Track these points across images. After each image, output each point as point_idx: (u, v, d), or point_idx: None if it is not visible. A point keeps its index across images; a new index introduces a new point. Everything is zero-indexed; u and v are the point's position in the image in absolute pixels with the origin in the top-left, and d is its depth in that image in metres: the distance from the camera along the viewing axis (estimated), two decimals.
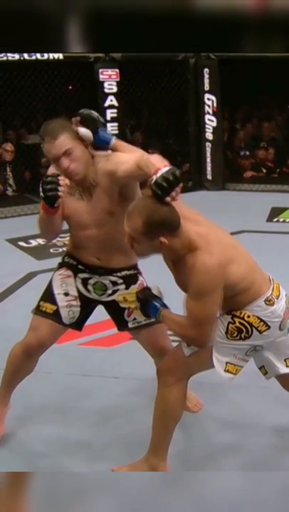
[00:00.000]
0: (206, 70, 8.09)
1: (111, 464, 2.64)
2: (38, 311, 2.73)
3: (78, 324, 2.78)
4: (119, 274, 2.69)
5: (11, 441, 2.85)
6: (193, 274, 2.27)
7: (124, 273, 2.70)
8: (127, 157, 2.43)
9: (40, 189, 2.48)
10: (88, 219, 2.60)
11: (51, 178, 2.46)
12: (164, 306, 2.45)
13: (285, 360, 2.53)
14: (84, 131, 2.47)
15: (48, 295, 2.73)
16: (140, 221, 2.23)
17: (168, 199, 2.24)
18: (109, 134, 2.52)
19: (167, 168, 2.26)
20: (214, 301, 2.30)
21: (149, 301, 2.46)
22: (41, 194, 2.48)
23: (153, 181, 2.24)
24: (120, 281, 2.70)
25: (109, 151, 2.52)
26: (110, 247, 2.60)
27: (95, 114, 2.51)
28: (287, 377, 2.60)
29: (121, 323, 2.78)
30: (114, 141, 2.47)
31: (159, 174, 2.24)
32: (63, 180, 2.46)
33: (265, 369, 2.56)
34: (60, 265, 2.78)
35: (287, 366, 2.53)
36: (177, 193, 2.25)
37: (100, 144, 2.48)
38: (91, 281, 2.71)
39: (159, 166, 2.29)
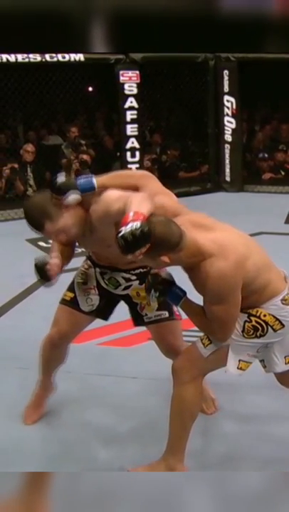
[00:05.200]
0: (226, 72, 8.11)
1: (128, 463, 2.68)
2: (61, 299, 2.87)
3: (100, 312, 2.86)
4: (132, 272, 2.74)
5: (25, 441, 2.89)
6: (210, 281, 2.28)
7: (138, 271, 2.74)
8: (116, 196, 2.43)
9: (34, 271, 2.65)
10: (96, 248, 2.71)
11: (41, 267, 2.61)
12: (184, 292, 2.45)
13: (285, 358, 2.54)
14: (71, 199, 2.44)
15: (71, 284, 2.87)
16: None
17: (130, 257, 2.20)
18: (85, 178, 2.49)
19: (138, 224, 2.17)
20: (237, 300, 2.34)
21: (168, 286, 2.44)
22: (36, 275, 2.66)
23: (120, 234, 2.17)
24: (134, 277, 2.75)
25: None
26: (122, 260, 2.62)
27: (61, 178, 2.47)
28: (284, 373, 2.61)
29: (138, 318, 2.84)
30: (95, 181, 2.48)
31: (128, 227, 2.17)
32: (52, 264, 2.61)
33: (264, 363, 2.58)
34: (86, 257, 2.88)
35: (287, 363, 2.54)
36: (141, 253, 2.20)
37: (87, 192, 2.48)
38: (106, 276, 2.78)
39: (133, 210, 2.23)
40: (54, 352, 2.91)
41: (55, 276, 2.63)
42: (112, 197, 2.44)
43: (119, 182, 2.49)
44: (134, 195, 2.35)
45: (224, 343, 2.43)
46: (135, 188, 2.46)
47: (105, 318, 2.92)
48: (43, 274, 2.63)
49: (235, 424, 2.99)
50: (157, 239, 2.22)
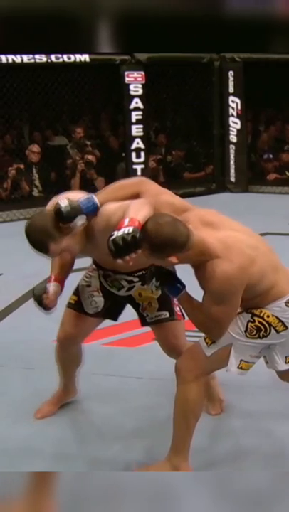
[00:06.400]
0: (231, 73, 8.12)
1: (133, 463, 2.69)
2: (67, 302, 2.91)
3: (107, 312, 2.89)
4: (135, 274, 2.75)
5: (30, 441, 2.89)
6: (213, 282, 2.29)
7: (140, 273, 2.74)
8: (116, 207, 2.44)
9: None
10: (96, 256, 2.73)
11: (39, 298, 2.70)
12: (184, 286, 2.44)
13: (285, 357, 2.53)
14: (79, 224, 2.44)
15: (76, 287, 2.91)
16: (146, 245, 2.26)
17: (119, 261, 2.25)
18: (87, 200, 2.47)
19: (131, 229, 2.22)
20: (237, 302, 2.36)
21: (169, 277, 2.44)
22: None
23: (112, 238, 2.22)
24: (136, 279, 2.76)
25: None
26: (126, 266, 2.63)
27: (65, 204, 2.43)
28: (284, 371, 2.62)
29: (142, 318, 2.87)
30: (96, 200, 2.47)
31: (120, 232, 2.22)
32: (50, 294, 2.69)
33: (266, 359, 2.58)
34: (92, 261, 2.90)
35: (286, 363, 2.54)
36: (131, 258, 2.24)
37: (92, 214, 2.47)
38: (109, 279, 2.80)
39: (129, 216, 2.27)
40: (65, 354, 2.96)
41: (53, 306, 2.72)
42: (112, 209, 2.45)
43: (120, 194, 2.50)
44: (134, 203, 2.38)
45: (227, 343, 2.44)
46: (136, 196, 2.47)
47: (114, 318, 2.96)
48: (42, 305, 2.72)
49: (240, 422, 2.99)
50: (165, 240, 2.23)
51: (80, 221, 2.44)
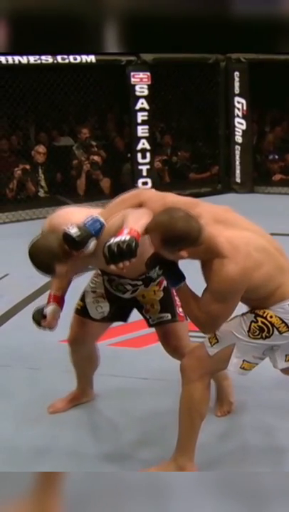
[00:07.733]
0: (237, 74, 8.12)
1: (138, 464, 2.68)
2: (74, 308, 2.95)
3: (115, 316, 2.91)
4: (139, 277, 2.76)
5: (36, 440, 2.90)
6: (216, 280, 2.31)
7: (143, 276, 2.76)
8: (115, 218, 2.46)
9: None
10: (103, 266, 2.68)
11: (38, 321, 2.79)
12: (184, 278, 2.44)
13: (285, 356, 2.54)
14: (91, 247, 2.43)
15: (82, 293, 2.93)
16: (158, 238, 2.28)
17: (113, 267, 2.28)
18: (93, 221, 2.45)
19: (128, 237, 2.25)
20: (235, 303, 2.38)
21: (171, 267, 2.44)
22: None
23: (107, 244, 2.26)
24: (140, 282, 2.78)
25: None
26: (128, 273, 2.63)
27: (75, 231, 2.40)
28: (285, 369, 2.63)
29: (146, 320, 2.90)
30: (102, 219, 2.47)
31: (116, 239, 2.26)
32: (49, 316, 2.77)
33: (269, 356, 2.58)
34: None
35: (286, 361, 2.54)
36: (125, 266, 2.27)
37: (99, 234, 2.47)
38: (113, 283, 2.82)
39: (129, 226, 2.29)
40: (76, 356, 3.02)
41: (53, 327, 2.79)
42: (113, 220, 2.47)
43: (123, 208, 2.50)
44: (133, 211, 2.40)
45: (231, 343, 2.45)
46: (140, 207, 2.47)
47: (123, 320, 2.98)
48: (41, 327, 2.79)
49: (244, 421, 2.99)
50: (178, 234, 2.25)
51: (92, 245, 2.44)
